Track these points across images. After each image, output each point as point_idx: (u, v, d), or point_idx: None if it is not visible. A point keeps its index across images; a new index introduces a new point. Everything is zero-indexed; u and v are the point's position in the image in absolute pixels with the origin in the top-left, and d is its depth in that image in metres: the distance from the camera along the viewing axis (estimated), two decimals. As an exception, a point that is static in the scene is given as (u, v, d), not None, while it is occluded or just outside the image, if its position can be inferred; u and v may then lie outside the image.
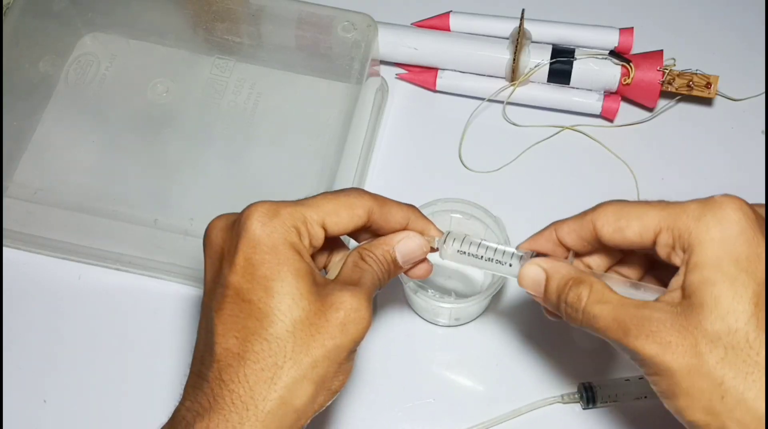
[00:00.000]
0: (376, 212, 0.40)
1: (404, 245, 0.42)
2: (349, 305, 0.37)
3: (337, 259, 0.43)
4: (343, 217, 0.39)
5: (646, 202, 0.37)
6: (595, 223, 0.38)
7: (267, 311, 0.36)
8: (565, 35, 0.63)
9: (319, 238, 0.38)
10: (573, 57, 0.61)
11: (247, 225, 0.37)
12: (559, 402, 0.54)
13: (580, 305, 0.37)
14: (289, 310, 0.36)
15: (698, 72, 0.61)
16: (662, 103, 0.64)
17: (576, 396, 0.54)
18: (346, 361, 0.37)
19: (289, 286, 0.36)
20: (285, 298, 0.36)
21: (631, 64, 0.60)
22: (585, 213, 0.39)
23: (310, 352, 0.36)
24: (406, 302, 0.58)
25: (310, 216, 0.38)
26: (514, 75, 0.62)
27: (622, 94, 0.62)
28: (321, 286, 0.38)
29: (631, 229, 0.37)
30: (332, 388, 0.38)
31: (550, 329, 0.57)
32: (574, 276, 0.39)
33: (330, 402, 0.38)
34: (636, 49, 0.63)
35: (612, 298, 0.37)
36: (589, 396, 0.53)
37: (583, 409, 0.54)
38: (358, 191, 0.40)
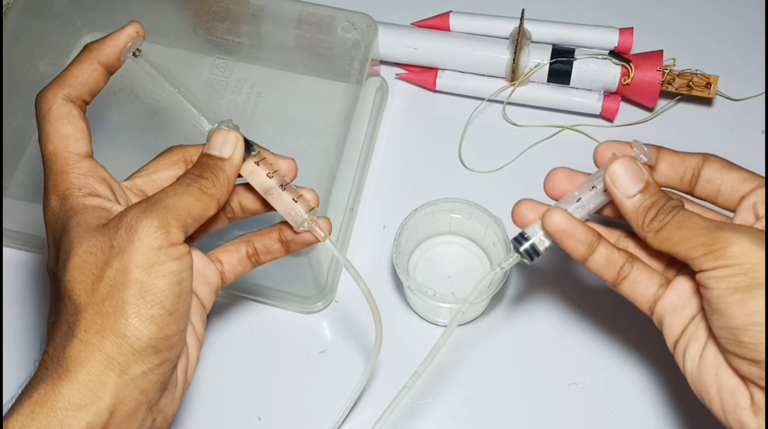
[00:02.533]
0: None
1: (210, 139, 0.41)
2: (124, 221, 0.35)
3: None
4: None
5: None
6: (702, 167, 0.41)
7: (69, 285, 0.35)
8: (565, 35, 0.63)
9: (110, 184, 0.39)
10: (573, 57, 0.61)
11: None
12: (497, 271, 0.44)
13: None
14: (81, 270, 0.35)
15: (698, 72, 0.61)
16: (662, 103, 0.64)
17: (512, 255, 0.43)
18: (145, 279, 0.35)
19: (76, 249, 0.36)
20: (77, 264, 0.36)
21: (631, 64, 0.60)
22: (691, 154, 0.42)
23: (96, 291, 0.35)
24: (406, 302, 0.58)
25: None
26: (514, 75, 0.62)
27: (622, 94, 0.62)
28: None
29: (731, 178, 0.40)
30: (143, 316, 0.35)
31: (549, 329, 0.57)
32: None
33: (157, 334, 0.35)
34: (636, 49, 0.63)
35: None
36: (529, 249, 0.42)
37: (531, 262, 0.43)
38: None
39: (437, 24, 0.65)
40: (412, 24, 0.66)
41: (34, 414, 0.33)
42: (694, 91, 0.61)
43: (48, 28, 0.61)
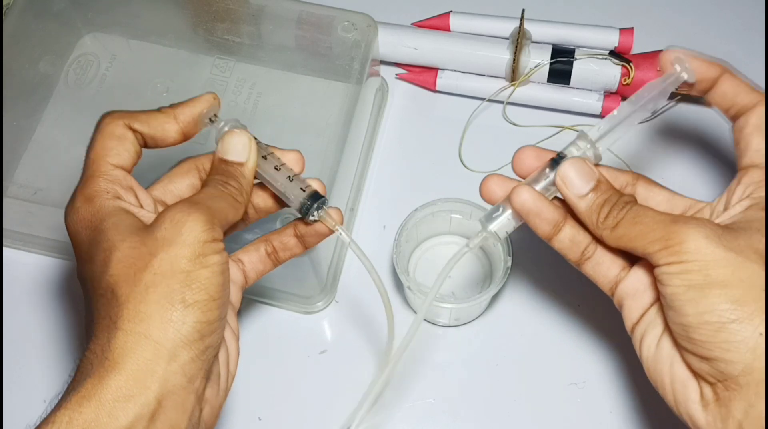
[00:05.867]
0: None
1: (223, 142, 0.42)
2: (168, 216, 0.36)
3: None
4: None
5: None
6: None
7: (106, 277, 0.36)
8: (565, 35, 0.63)
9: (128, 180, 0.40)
10: (573, 57, 0.61)
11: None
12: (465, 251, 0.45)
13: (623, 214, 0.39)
14: (121, 256, 0.36)
15: (698, 72, 0.61)
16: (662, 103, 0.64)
17: (481, 233, 0.43)
18: (191, 268, 0.35)
19: (114, 240, 0.36)
20: (115, 250, 0.36)
21: (631, 64, 0.60)
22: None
23: (140, 281, 0.35)
24: (406, 302, 0.58)
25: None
26: (514, 75, 0.62)
27: (622, 94, 0.62)
28: (150, 222, 0.38)
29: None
30: (188, 301, 0.35)
31: (549, 329, 0.57)
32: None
33: (201, 318, 0.35)
34: (636, 49, 0.63)
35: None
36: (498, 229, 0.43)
37: (499, 241, 0.45)
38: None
39: (437, 24, 0.65)
40: (412, 24, 0.66)
41: (81, 408, 0.33)
42: (694, 91, 0.61)
43: (48, 28, 0.61)
